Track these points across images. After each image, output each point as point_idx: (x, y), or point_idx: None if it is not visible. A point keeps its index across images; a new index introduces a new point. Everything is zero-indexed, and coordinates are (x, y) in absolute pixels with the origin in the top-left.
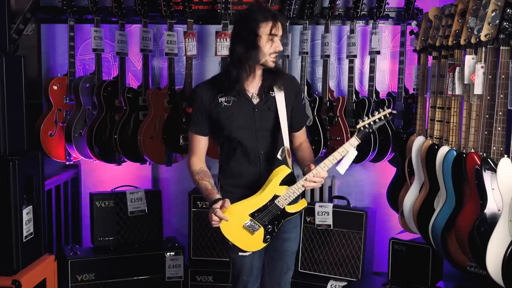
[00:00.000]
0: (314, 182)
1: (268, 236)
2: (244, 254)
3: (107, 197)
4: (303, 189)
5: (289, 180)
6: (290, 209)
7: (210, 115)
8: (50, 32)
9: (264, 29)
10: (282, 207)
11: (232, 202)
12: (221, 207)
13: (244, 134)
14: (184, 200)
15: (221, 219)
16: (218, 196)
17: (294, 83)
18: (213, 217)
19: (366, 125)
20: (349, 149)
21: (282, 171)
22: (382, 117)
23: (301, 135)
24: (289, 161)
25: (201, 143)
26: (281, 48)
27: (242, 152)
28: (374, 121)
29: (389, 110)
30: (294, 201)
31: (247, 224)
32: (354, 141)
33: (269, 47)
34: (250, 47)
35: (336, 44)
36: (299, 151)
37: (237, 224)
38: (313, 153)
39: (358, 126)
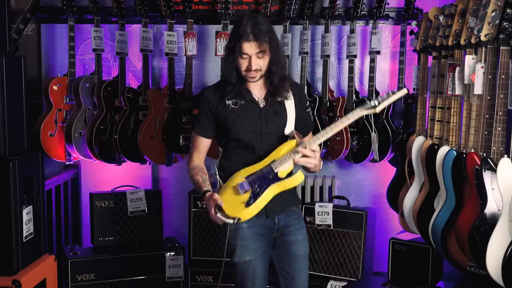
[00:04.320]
0: (307, 156)
1: (251, 200)
2: (229, 221)
3: (107, 197)
4: (297, 155)
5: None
6: (283, 174)
7: (217, 118)
8: (50, 32)
9: (240, 47)
10: (275, 171)
11: None
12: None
13: (249, 137)
14: (184, 200)
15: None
16: (206, 189)
17: (299, 90)
18: (210, 203)
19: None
20: (352, 119)
21: (288, 143)
22: (388, 100)
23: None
24: (298, 139)
25: (203, 144)
26: (252, 68)
27: (245, 154)
28: (379, 101)
29: (405, 90)
30: (291, 173)
31: (240, 184)
32: (360, 113)
33: (242, 65)
34: (230, 61)
35: (336, 44)
36: None
37: (232, 186)
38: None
39: (365, 97)
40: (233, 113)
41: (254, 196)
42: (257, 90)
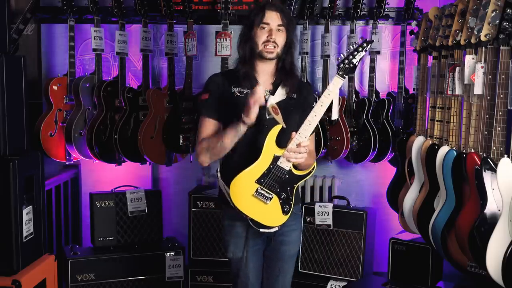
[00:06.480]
0: (299, 152)
1: (286, 207)
2: (269, 230)
3: (107, 197)
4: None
5: (286, 137)
6: (298, 172)
7: (224, 101)
8: (50, 32)
9: (256, 20)
10: (287, 169)
11: None
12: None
13: (251, 130)
14: (184, 200)
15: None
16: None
17: (307, 89)
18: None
19: (346, 61)
20: (335, 90)
21: (273, 130)
22: (360, 48)
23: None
24: (279, 117)
25: (211, 127)
26: (272, 36)
27: (247, 146)
28: (353, 54)
29: (366, 39)
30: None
31: (257, 192)
32: (338, 80)
33: (260, 37)
34: (246, 39)
35: (336, 44)
36: None
37: (247, 194)
38: (314, 157)
39: (338, 64)
40: (237, 100)
41: (287, 202)
42: (266, 78)
